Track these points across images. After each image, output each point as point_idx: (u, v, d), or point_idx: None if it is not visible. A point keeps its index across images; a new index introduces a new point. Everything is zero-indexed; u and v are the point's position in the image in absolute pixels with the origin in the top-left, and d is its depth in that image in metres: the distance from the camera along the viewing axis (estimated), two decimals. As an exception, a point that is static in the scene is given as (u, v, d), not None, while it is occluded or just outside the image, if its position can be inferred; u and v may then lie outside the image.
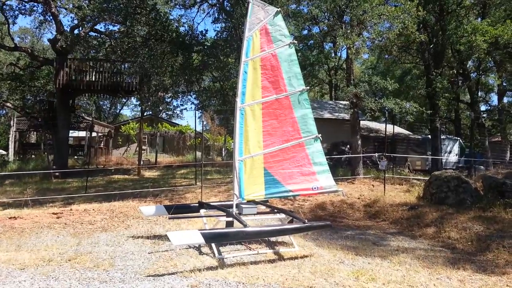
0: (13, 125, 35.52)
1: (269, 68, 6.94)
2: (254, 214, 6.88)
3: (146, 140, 33.75)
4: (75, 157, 28.03)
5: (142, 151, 32.00)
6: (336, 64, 28.68)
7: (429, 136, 23.48)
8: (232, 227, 6.50)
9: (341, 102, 25.05)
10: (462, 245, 7.39)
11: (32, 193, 14.32)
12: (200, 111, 26.37)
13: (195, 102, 19.77)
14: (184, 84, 14.23)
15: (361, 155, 15.96)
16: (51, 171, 19.04)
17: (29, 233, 7.79)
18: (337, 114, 23.09)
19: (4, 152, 39.42)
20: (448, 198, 10.10)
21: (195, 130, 15.86)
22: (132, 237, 7.38)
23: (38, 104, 22.61)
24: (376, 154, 15.66)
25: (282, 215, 6.96)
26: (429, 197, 10.59)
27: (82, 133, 31.00)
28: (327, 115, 22.80)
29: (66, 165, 21.02)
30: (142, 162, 23.15)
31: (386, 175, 13.55)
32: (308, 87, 7.09)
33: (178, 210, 7.46)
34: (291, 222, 6.85)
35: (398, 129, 27.43)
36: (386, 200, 11.08)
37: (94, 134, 31.89)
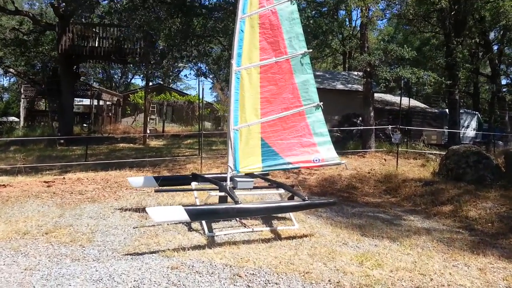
0: (22, 93, 35.25)
1: (268, 27, 6.13)
2: (251, 189, 6.25)
3: (155, 109, 33.24)
4: (84, 125, 27.68)
5: (151, 121, 31.59)
6: (351, 33, 27.36)
7: (446, 110, 22.38)
8: (225, 202, 5.89)
9: (354, 72, 23.95)
10: (482, 226, 6.68)
11: (31, 160, 13.97)
12: (206, 79, 25.57)
13: (202, 69, 18.86)
14: (185, 49, 13.40)
15: (374, 127, 15.12)
16: (56, 137, 18.70)
17: (14, 202, 7.31)
18: (350, 85, 22.06)
19: (16, 119, 39.51)
20: (466, 175, 9.32)
21: (199, 98, 15.11)
22: (120, 209, 6.84)
23: (42, 70, 22.05)
24: (390, 127, 14.80)
25: (282, 191, 6.31)
26: (446, 173, 9.83)
27: (94, 102, 30.59)
28: (339, 86, 21.81)
29: (71, 133, 20.62)
30: (148, 132, 22.68)
31: (399, 149, 12.74)
32: (310, 50, 6.28)
33: (168, 182, 6.88)
34: (291, 198, 6.21)
35: (414, 102, 26.28)
36: (399, 175, 10.34)
37: (102, 102, 31.47)
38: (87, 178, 9.65)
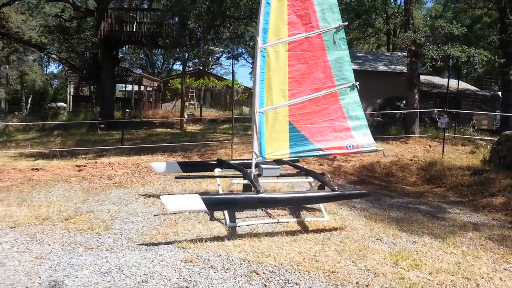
0: (67, 79, 36.48)
1: (298, -2, 5.60)
2: (277, 176, 5.83)
3: (194, 94, 33.33)
4: (127, 110, 28.18)
5: (190, 106, 31.72)
6: (395, 11, 25.89)
7: (499, 93, 20.75)
8: (249, 191, 5.52)
9: (398, 53, 22.67)
10: (539, 223, 5.91)
11: (70, 144, 14.25)
12: (237, 61, 25.14)
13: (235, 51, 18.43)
14: (217, 31, 13.00)
15: (418, 110, 14.15)
16: (96, 121, 19.07)
17: (42, 186, 7.32)
18: (393, 66, 20.90)
19: (64, 105, 41.15)
20: (521, 163, 8.41)
21: (232, 81, 14.74)
22: (145, 195, 6.65)
23: (83, 56, 22.52)
24: (436, 110, 13.78)
25: (311, 179, 5.83)
26: (497, 161, 8.93)
27: (135, 88, 31.11)
28: (382, 68, 20.70)
29: (112, 117, 20.98)
30: (186, 116, 22.70)
31: (446, 134, 11.80)
32: (345, 23, 5.67)
33: (191, 168, 6.60)
34: (321, 188, 5.74)
35: (464, 85, 24.61)
36: (445, 163, 9.54)
37: (142, 88, 31.93)
38: (118, 163, 9.61)
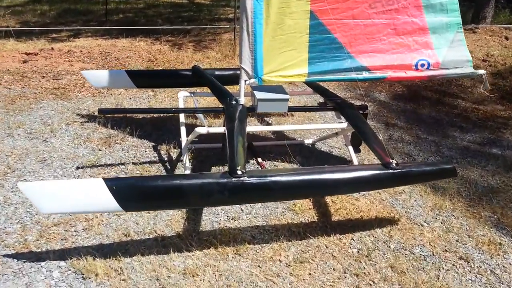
0: None
1: None
2: (285, 114, 3.40)
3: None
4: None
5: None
6: None
7: None
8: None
9: None
10: None
11: (50, 16, 11.59)
12: None
13: None
14: None
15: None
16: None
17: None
18: None
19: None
20: None
21: None
22: (86, 117, 4.40)
23: None
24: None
25: (345, 124, 3.31)
26: None
27: None
28: None
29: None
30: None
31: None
32: None
33: (147, 81, 4.16)
34: (357, 146, 3.35)
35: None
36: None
37: None
38: (81, 51, 7.13)
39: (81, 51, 7.12)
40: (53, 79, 5.65)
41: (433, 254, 2.67)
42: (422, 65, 3.06)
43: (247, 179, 2.27)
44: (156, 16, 11.52)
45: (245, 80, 3.05)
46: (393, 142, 4.35)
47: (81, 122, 4.27)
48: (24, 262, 2.36)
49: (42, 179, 3.20)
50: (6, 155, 3.53)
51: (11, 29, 8.25)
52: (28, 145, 3.74)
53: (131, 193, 2.20)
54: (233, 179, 2.25)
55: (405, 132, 4.62)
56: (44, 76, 5.75)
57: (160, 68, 6.36)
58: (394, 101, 5.60)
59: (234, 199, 2.41)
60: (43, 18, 11.22)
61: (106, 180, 2.14)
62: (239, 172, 2.27)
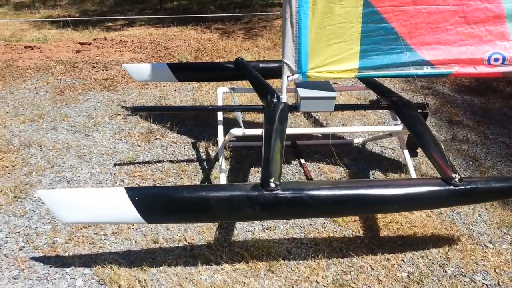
0: None
1: None
2: (332, 112, 3.07)
3: None
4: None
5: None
6: None
7: None
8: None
9: None
10: None
11: (104, 5, 11.87)
12: None
13: None
14: None
15: None
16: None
17: (15, 78, 5.28)
18: None
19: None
20: None
21: None
22: (130, 114, 4.34)
23: None
24: None
25: (401, 127, 2.90)
26: None
27: None
28: None
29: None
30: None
31: None
32: None
33: (188, 74, 3.98)
34: (413, 145, 2.96)
35: None
36: None
37: None
38: (132, 40, 7.17)
39: (132, 40, 7.15)
40: (103, 70, 5.69)
41: (498, 284, 2.28)
42: (496, 59, 2.59)
43: (281, 192, 2.01)
44: (209, 3, 11.41)
45: (288, 76, 2.78)
46: (457, 142, 3.87)
47: (124, 116, 4.22)
48: (50, 267, 2.30)
49: (79, 176, 3.16)
50: (48, 150, 3.54)
51: (68, 19, 8.51)
52: (70, 139, 3.73)
53: (154, 205, 2.02)
54: (265, 192, 2.00)
55: (471, 131, 4.11)
56: (94, 67, 5.81)
57: (207, 58, 6.21)
58: (459, 95, 5.03)
59: (265, 215, 2.17)
60: (101, 6, 11.54)
61: (128, 189, 1.98)
62: (272, 185, 2.02)
